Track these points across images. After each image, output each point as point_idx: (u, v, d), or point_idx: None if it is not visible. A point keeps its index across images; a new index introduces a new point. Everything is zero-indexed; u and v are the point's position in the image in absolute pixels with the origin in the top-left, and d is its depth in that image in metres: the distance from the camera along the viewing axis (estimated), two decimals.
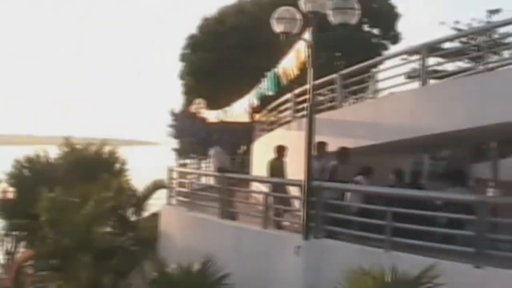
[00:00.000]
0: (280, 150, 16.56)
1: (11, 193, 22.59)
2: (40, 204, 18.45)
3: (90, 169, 23.87)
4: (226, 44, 37.43)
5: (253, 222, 15.19)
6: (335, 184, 13.96)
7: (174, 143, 45.58)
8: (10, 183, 23.46)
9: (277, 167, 16.35)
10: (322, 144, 15.18)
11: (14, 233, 22.30)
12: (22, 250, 22.12)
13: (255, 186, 19.83)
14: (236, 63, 35.57)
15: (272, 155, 16.77)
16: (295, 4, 12.52)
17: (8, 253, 22.11)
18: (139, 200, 21.04)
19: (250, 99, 21.38)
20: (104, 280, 17.37)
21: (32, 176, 24.21)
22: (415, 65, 15.64)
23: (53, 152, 26.76)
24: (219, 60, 36.82)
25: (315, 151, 13.93)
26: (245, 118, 24.37)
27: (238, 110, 23.64)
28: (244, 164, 26.77)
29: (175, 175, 19.94)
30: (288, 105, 21.24)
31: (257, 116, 25.60)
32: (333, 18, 11.99)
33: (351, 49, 34.24)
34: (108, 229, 19.02)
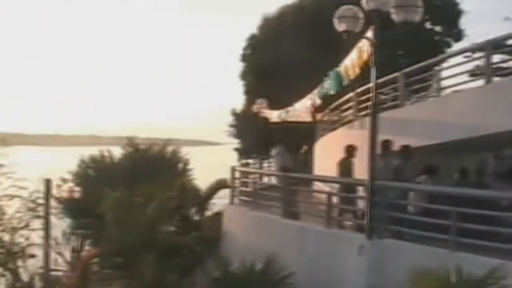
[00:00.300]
0: (350, 150, 16.39)
1: (77, 192, 23.00)
2: (105, 204, 18.75)
3: (154, 169, 24.20)
4: (287, 43, 37.35)
5: (316, 222, 15.19)
6: (400, 184, 13.82)
7: (236, 143, 45.76)
8: (76, 182, 23.91)
9: (347, 166, 16.21)
10: (387, 143, 15.02)
11: (79, 231, 22.70)
12: (87, 248, 22.51)
13: (318, 185, 19.79)
14: (298, 63, 35.44)
15: (334, 154, 16.70)
16: (356, 2, 12.47)
17: (74, 251, 22.52)
18: (202, 200, 21.23)
19: (312, 98, 21.36)
20: (167, 279, 17.56)
21: (97, 175, 24.68)
22: (479, 62, 15.35)
23: (118, 152, 27.21)
24: (281, 60, 36.73)
25: (380, 150, 13.85)
26: (307, 117, 24.33)
27: (300, 110, 23.64)
28: (306, 163, 26.71)
29: (237, 174, 20.06)
30: (350, 104, 21.13)
31: (319, 116, 25.53)
32: (396, 16, 11.89)
33: (414, 47, 33.81)
34: (172, 228, 19.23)
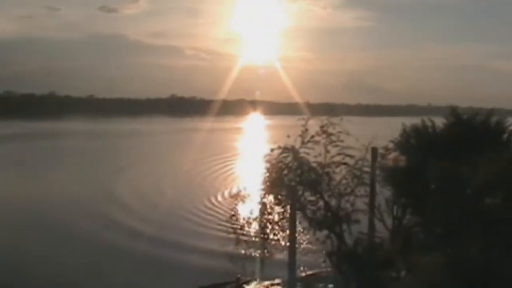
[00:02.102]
0: None
1: (401, 162, 23.33)
2: (429, 174, 18.85)
3: (477, 139, 23.61)
4: None
5: None
6: None
7: None
8: (400, 151, 24.21)
9: None
10: None
11: (402, 200, 23.05)
12: (408, 217, 22.85)
13: None
14: None
15: None
16: None
17: (396, 218, 22.98)
18: None
19: None
20: (491, 253, 17.21)
21: (419, 145, 24.70)
22: None
23: (439, 122, 26.96)
24: None
25: None
26: None
27: None
28: None
29: None
30: None
31: None
32: None
33: None
34: (498, 201, 18.75)
